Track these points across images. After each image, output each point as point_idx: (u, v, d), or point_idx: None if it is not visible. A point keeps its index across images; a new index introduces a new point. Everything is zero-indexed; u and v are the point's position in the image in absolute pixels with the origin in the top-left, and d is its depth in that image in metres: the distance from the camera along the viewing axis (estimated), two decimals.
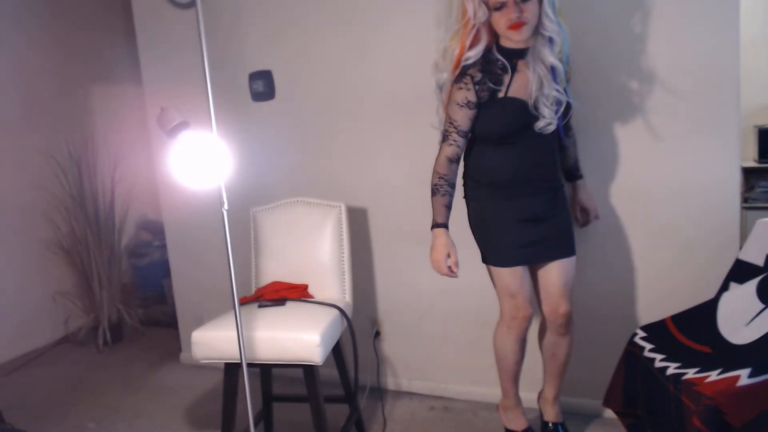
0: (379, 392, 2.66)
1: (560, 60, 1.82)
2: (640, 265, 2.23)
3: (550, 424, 2.16)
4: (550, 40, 1.80)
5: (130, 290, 4.10)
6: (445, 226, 1.92)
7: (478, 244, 2.03)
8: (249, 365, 1.80)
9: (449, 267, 1.90)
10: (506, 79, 1.86)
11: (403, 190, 2.53)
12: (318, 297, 2.24)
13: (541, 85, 1.82)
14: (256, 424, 1.86)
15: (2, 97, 3.49)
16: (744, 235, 2.03)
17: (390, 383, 2.75)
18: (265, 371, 2.32)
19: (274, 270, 2.31)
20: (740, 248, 1.94)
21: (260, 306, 2.10)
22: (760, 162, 3.39)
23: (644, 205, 2.19)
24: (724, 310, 1.79)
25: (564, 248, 1.98)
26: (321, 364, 1.90)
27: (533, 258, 1.98)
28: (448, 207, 1.92)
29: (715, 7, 1.99)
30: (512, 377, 2.12)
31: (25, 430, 2.42)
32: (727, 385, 1.46)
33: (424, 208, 2.36)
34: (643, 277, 2.23)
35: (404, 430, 2.40)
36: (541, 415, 2.19)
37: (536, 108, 1.84)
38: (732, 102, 2.02)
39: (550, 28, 1.78)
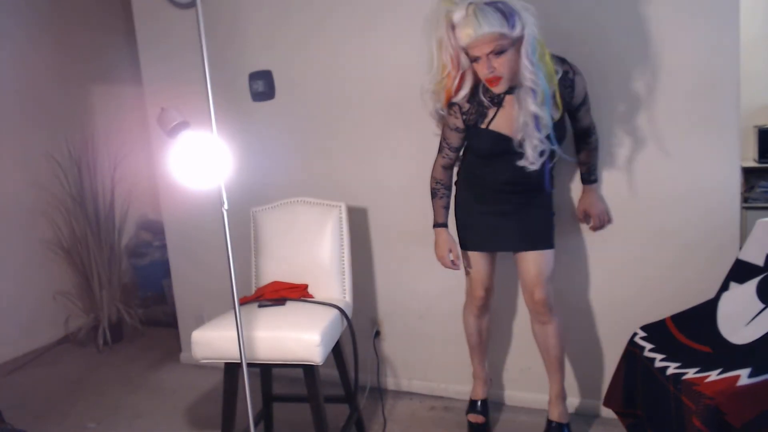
0: (379, 392, 2.66)
1: (543, 106, 1.83)
2: (640, 264, 2.23)
3: (553, 423, 2.16)
4: (532, 90, 1.81)
5: (130, 290, 4.10)
6: (445, 225, 2.15)
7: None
8: (249, 365, 1.80)
9: (452, 261, 2.12)
10: (490, 113, 1.95)
11: (403, 190, 2.53)
12: (318, 297, 2.24)
13: (525, 127, 1.86)
14: (256, 424, 1.86)
15: (2, 97, 3.49)
16: (744, 235, 2.03)
17: (390, 383, 2.75)
18: (265, 371, 2.32)
19: (274, 270, 2.31)
20: (740, 248, 1.94)
21: (260, 306, 2.10)
22: (759, 162, 3.39)
23: (644, 205, 2.19)
24: (724, 309, 1.79)
25: (533, 242, 2.06)
26: (321, 364, 1.90)
27: (492, 247, 2.14)
28: (446, 207, 2.16)
29: (715, 7, 1.99)
30: (472, 347, 2.33)
31: (25, 430, 2.42)
32: (727, 385, 1.46)
33: (424, 208, 2.37)
34: (643, 277, 2.23)
35: (404, 430, 2.40)
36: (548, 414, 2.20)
37: (521, 146, 1.89)
38: (732, 102, 2.02)
39: (529, 78, 1.79)
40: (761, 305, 1.67)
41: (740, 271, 1.83)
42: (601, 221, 2.20)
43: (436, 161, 2.14)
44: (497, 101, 1.94)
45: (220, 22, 2.74)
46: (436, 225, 2.14)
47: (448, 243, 2.12)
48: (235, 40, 2.75)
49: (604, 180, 2.22)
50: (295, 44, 2.65)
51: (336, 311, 2.07)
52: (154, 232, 4.16)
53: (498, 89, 1.86)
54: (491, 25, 1.72)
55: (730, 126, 2.04)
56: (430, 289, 2.57)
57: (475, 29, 1.73)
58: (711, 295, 1.87)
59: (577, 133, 2.11)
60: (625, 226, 2.22)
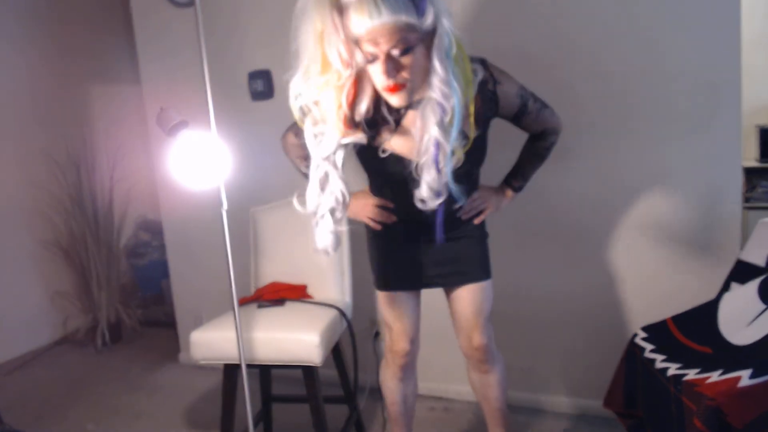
0: (378, 393, 2.65)
1: (449, 130, 1.38)
2: (641, 265, 2.22)
3: None
4: (440, 106, 1.35)
5: (129, 290, 4.09)
6: None
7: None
8: (248, 366, 1.80)
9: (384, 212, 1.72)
10: (387, 134, 1.51)
11: None
12: (317, 297, 2.23)
13: (427, 151, 1.40)
14: (255, 425, 1.86)
15: (1, 96, 3.49)
16: (745, 236, 2.02)
17: None
18: (265, 372, 2.32)
19: (274, 270, 2.31)
20: (741, 248, 1.94)
21: (259, 306, 2.10)
22: (761, 162, 3.39)
23: (645, 206, 2.18)
24: (726, 310, 1.78)
25: (467, 273, 1.71)
26: (320, 364, 1.90)
27: (415, 284, 1.75)
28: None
29: (715, 7, 1.98)
30: (394, 420, 1.92)
31: (24, 431, 2.42)
32: (729, 386, 1.45)
33: None
34: (643, 278, 2.22)
35: None
36: None
37: (419, 173, 1.43)
38: (733, 101, 2.02)
39: (438, 89, 1.33)
40: (762, 306, 1.67)
41: (741, 272, 1.82)
42: (474, 207, 1.68)
43: (286, 136, 1.79)
44: (398, 117, 1.48)
45: (220, 21, 2.73)
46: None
47: (368, 197, 1.74)
48: (235, 39, 2.75)
49: (605, 180, 2.21)
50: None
51: (335, 312, 2.06)
52: (153, 232, 4.15)
53: (398, 101, 1.39)
54: (394, 10, 1.23)
55: (732, 125, 2.03)
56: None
57: (372, 14, 1.24)
58: (712, 295, 1.86)
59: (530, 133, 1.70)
60: (625, 227, 2.22)
